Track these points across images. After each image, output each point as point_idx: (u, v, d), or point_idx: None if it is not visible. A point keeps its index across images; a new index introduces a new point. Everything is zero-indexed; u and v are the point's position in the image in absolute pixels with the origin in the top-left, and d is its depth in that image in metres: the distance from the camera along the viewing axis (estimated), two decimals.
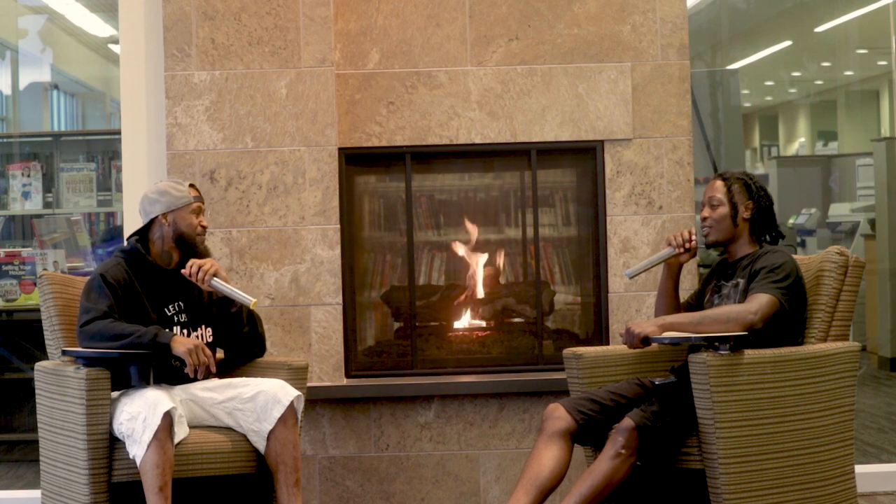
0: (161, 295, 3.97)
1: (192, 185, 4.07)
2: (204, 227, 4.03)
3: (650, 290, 4.67)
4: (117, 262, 3.95)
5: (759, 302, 3.71)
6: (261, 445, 3.83)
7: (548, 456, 3.75)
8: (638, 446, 3.64)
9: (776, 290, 3.73)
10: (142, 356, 3.77)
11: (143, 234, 4.02)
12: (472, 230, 4.99)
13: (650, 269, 4.14)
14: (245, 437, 3.85)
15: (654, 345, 3.86)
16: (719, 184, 3.96)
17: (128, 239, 4.06)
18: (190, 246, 3.99)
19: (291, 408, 3.82)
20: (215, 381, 3.99)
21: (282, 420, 3.81)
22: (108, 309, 3.81)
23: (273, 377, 4.00)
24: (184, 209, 3.99)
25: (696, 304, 4.06)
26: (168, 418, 3.62)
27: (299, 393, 3.87)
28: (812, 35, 10.10)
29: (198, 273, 3.90)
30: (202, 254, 4.01)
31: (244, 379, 3.96)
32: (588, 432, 3.81)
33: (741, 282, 3.84)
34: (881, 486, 4.85)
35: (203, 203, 4.07)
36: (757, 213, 3.93)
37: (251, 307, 3.94)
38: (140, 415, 3.63)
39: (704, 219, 3.96)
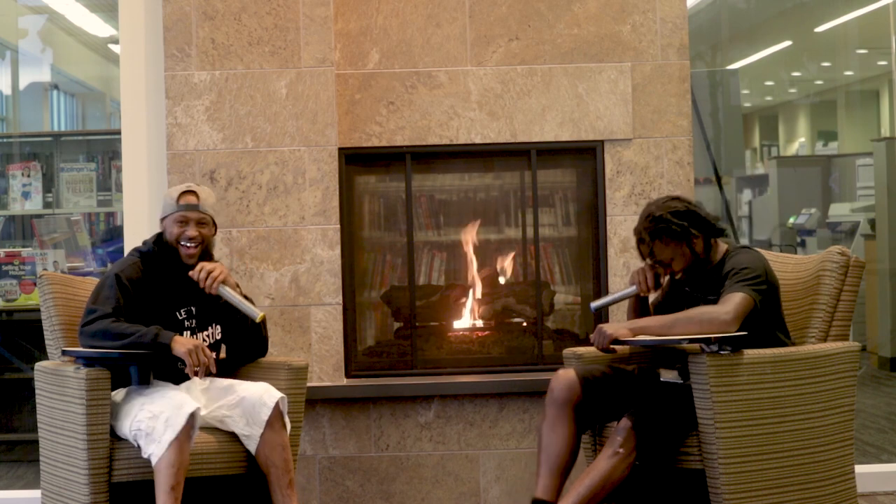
0: (174, 297, 3.95)
1: (190, 192, 3.96)
2: (190, 238, 3.92)
3: None
4: (133, 262, 3.94)
5: (733, 302, 3.67)
6: (253, 448, 3.83)
7: (562, 434, 3.80)
8: (636, 445, 3.64)
9: (746, 287, 3.69)
10: (142, 356, 3.76)
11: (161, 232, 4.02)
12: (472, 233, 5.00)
13: (615, 304, 4.15)
14: (233, 438, 3.84)
15: (625, 348, 3.88)
16: (658, 245, 3.83)
17: (151, 238, 4.04)
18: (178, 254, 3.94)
19: (276, 410, 3.81)
20: (205, 383, 3.97)
21: (268, 424, 3.80)
22: (113, 310, 3.79)
23: (273, 377, 4.00)
24: (169, 218, 3.95)
25: (666, 303, 4.02)
26: (192, 420, 3.63)
27: (282, 395, 3.85)
28: (812, 35, 10.10)
29: (206, 279, 3.88)
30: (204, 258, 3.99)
31: (230, 382, 3.95)
32: (591, 403, 3.82)
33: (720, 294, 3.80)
34: (881, 486, 4.85)
35: (197, 213, 3.92)
36: (698, 231, 3.84)
37: (257, 321, 3.93)
38: (162, 414, 3.63)
39: (666, 269, 3.87)
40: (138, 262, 3.93)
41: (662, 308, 3.97)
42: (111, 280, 3.86)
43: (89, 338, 3.77)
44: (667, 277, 3.94)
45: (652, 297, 4.02)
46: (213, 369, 3.86)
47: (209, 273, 3.88)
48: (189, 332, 3.97)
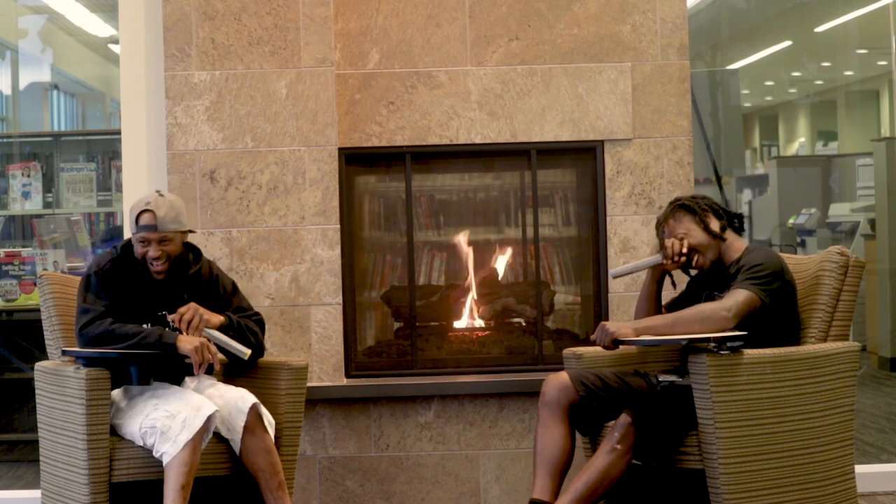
0: (151, 302, 3.93)
1: (147, 212, 3.85)
2: (155, 258, 3.85)
3: None
4: (111, 258, 3.92)
5: (735, 299, 3.68)
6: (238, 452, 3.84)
7: (557, 435, 3.79)
8: (635, 442, 3.63)
9: (753, 286, 3.70)
10: (142, 357, 3.76)
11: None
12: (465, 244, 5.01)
13: (635, 272, 4.11)
14: (216, 440, 3.83)
15: (630, 347, 3.87)
16: (674, 222, 3.90)
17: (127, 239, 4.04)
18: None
19: (254, 415, 3.80)
20: (193, 382, 3.96)
21: (247, 429, 3.79)
22: (105, 308, 3.79)
23: (273, 377, 4.00)
24: (133, 236, 3.91)
25: (679, 304, 4.02)
26: (208, 422, 3.64)
27: (256, 400, 3.83)
28: (812, 35, 10.10)
29: (187, 329, 3.81)
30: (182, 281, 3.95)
31: (211, 387, 3.95)
32: (587, 408, 3.81)
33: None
34: (881, 486, 4.85)
35: (156, 233, 3.84)
36: (717, 218, 3.90)
37: (245, 359, 3.90)
38: (180, 414, 3.64)
39: (683, 249, 3.88)
40: (117, 259, 3.91)
41: (676, 308, 3.98)
42: (92, 279, 3.85)
43: (90, 340, 3.76)
44: (685, 255, 3.90)
45: (671, 267, 3.95)
46: (218, 366, 3.86)
47: (188, 323, 3.82)
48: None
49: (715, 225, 3.89)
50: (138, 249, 3.89)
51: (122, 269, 3.91)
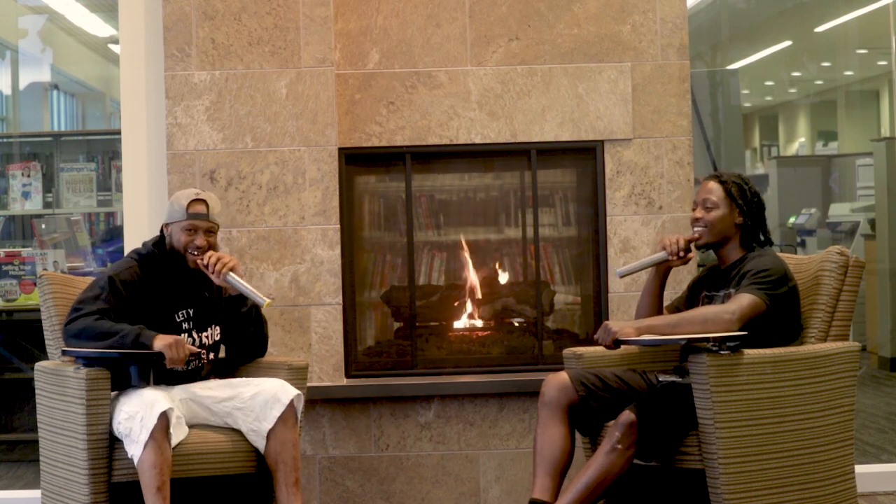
0: (172, 300, 3.95)
1: (199, 201, 3.95)
2: (198, 248, 3.91)
3: None
4: (130, 265, 3.93)
5: (739, 303, 3.68)
6: (260, 445, 3.83)
7: (557, 435, 3.79)
8: (636, 440, 3.63)
9: (758, 290, 3.70)
10: (142, 356, 3.76)
11: (162, 236, 4.01)
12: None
13: (642, 270, 4.11)
14: (244, 437, 3.85)
15: (632, 347, 3.86)
16: (715, 186, 3.91)
17: (145, 242, 4.05)
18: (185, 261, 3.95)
19: (291, 407, 3.83)
20: (216, 381, 3.99)
21: (282, 419, 3.81)
22: (97, 311, 3.78)
23: (273, 377, 4.00)
24: (176, 225, 3.95)
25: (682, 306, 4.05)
26: (164, 419, 3.62)
27: (299, 392, 3.87)
28: (812, 35, 10.11)
29: (216, 265, 3.88)
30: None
31: (244, 379, 3.97)
32: (586, 409, 3.81)
33: (733, 291, 3.80)
34: (881, 486, 4.85)
35: (206, 222, 3.93)
36: (749, 218, 3.90)
37: (264, 307, 3.92)
38: (137, 414, 3.63)
39: (697, 219, 3.92)
40: (135, 266, 3.93)
41: (677, 310, 3.98)
42: (104, 281, 3.86)
43: (72, 336, 3.76)
44: (692, 249, 3.93)
45: (676, 264, 3.96)
46: (182, 363, 3.82)
47: (219, 259, 3.88)
48: (187, 334, 3.96)
49: (737, 219, 3.88)
50: (182, 238, 3.92)
51: (150, 269, 3.93)
